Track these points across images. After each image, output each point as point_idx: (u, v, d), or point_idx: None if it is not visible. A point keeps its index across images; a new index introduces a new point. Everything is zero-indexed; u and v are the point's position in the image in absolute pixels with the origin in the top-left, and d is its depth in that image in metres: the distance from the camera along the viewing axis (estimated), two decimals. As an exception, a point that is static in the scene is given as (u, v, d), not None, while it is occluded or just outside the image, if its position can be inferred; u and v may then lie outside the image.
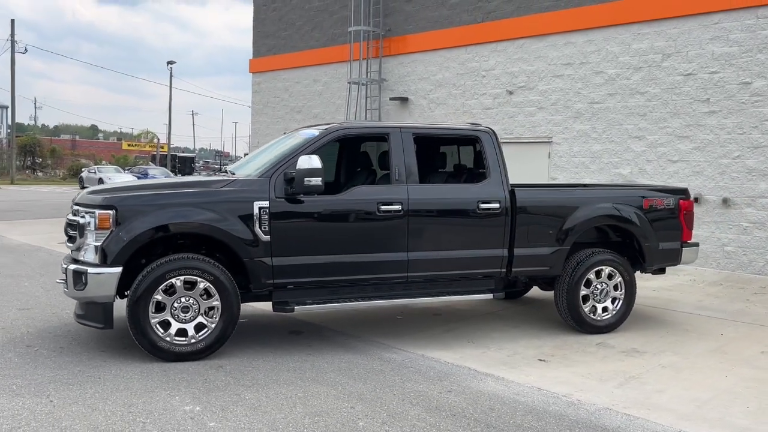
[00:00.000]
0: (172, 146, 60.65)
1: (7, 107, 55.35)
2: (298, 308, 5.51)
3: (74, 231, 5.32)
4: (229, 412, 4.17)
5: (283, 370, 5.04)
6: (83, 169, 42.87)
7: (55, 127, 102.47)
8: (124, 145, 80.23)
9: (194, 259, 5.17)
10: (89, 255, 5.11)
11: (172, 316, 5.13)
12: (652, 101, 11.40)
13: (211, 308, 5.23)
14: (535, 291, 7.85)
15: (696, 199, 10.60)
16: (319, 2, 17.87)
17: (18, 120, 64.18)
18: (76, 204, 5.46)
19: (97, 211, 5.09)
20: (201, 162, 62.39)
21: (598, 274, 6.40)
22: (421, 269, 5.88)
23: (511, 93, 13.50)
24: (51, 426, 3.88)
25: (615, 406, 4.46)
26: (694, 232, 7.24)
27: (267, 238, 5.33)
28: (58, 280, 5.55)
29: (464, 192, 6.17)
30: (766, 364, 5.57)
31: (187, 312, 5.16)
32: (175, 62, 60.55)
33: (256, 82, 20.10)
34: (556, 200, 6.45)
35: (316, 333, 6.25)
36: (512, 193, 6.18)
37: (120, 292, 5.21)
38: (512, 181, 6.39)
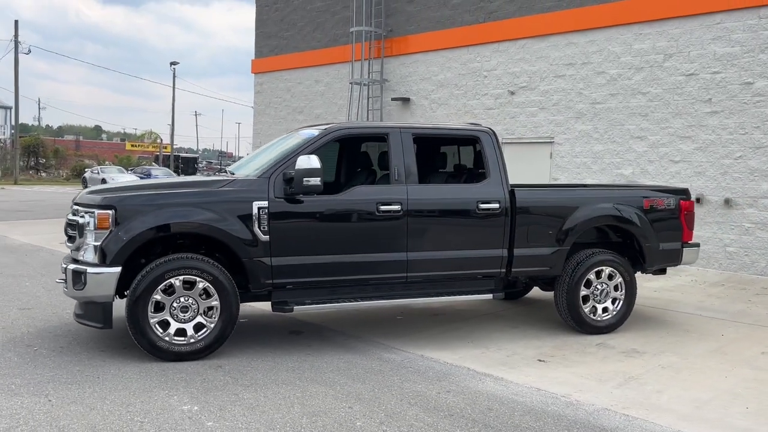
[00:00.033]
0: (175, 147, 60.81)
1: (11, 108, 55.48)
2: (298, 308, 5.51)
3: (74, 231, 5.33)
4: (227, 411, 4.18)
5: (282, 370, 5.04)
6: (86, 170, 42.93)
7: (59, 127, 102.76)
8: (128, 146, 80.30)
9: (193, 259, 5.18)
10: (89, 255, 5.13)
11: (171, 315, 5.13)
12: (654, 101, 11.38)
13: (210, 308, 5.24)
14: (535, 291, 7.84)
15: (698, 200, 10.58)
16: (321, 3, 17.88)
17: (22, 120, 64.56)
18: (76, 204, 5.47)
19: (97, 211, 5.10)
20: (204, 162, 62.46)
21: (598, 274, 6.38)
22: (421, 269, 5.87)
23: (512, 93, 13.49)
24: (48, 425, 3.89)
25: (614, 407, 4.45)
26: (695, 232, 7.23)
27: (266, 238, 5.33)
28: (57, 280, 5.56)
29: (464, 192, 6.16)
30: (766, 364, 5.55)
31: (186, 312, 5.16)
32: (178, 63, 60.85)
33: (259, 82, 20.11)
34: (556, 200, 6.43)
35: (315, 333, 6.25)
36: (512, 193, 6.17)
37: (119, 292, 5.22)
38: (514, 181, 6.38)
